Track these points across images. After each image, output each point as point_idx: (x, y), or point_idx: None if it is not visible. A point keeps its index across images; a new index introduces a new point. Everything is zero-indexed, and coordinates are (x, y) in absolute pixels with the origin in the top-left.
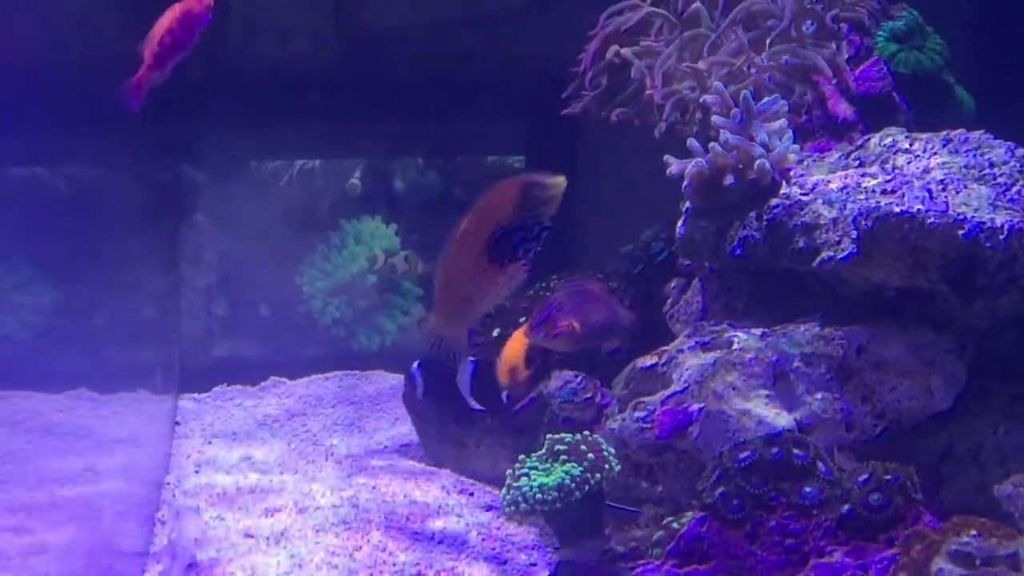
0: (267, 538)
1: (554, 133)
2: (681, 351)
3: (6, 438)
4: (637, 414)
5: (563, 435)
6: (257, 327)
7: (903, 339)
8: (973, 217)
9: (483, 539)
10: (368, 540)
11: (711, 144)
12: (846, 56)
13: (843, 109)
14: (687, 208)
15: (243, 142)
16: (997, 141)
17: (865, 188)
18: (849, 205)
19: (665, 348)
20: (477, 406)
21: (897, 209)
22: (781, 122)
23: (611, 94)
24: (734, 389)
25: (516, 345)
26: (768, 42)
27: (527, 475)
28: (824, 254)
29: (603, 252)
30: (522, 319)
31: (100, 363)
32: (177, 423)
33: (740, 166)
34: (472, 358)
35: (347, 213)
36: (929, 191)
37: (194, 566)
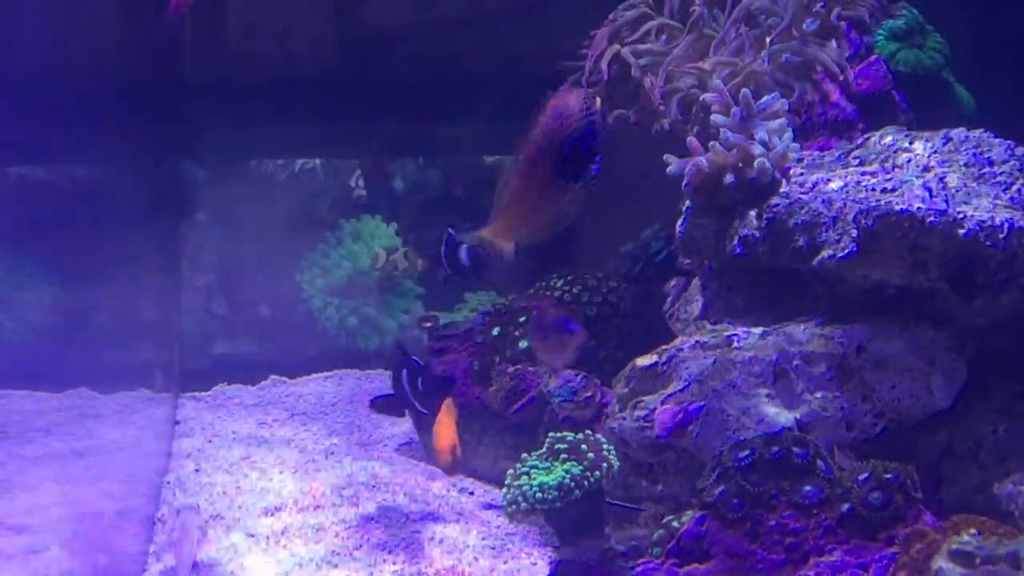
0: (267, 537)
1: None
2: (681, 350)
3: (7, 437)
4: (637, 413)
5: (564, 434)
6: (257, 326)
7: (903, 337)
8: (973, 216)
9: (483, 538)
10: (368, 539)
11: (711, 143)
12: (846, 55)
13: (843, 108)
14: (687, 207)
15: (243, 141)
16: (997, 140)
17: (865, 187)
18: (849, 204)
19: (665, 347)
20: (421, 408)
21: (897, 208)
22: (781, 120)
23: (612, 93)
24: (734, 388)
25: (444, 428)
26: (769, 40)
27: (527, 474)
28: (824, 252)
29: (603, 251)
30: (522, 318)
31: (100, 362)
32: (177, 422)
33: (740, 165)
34: (410, 359)
35: (347, 212)
36: (929, 190)
37: (196, 566)
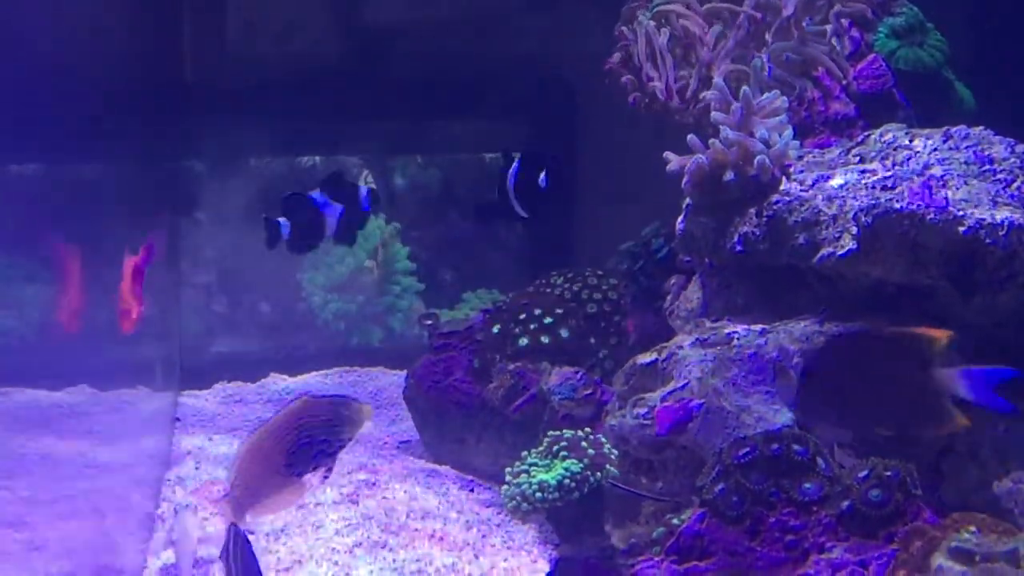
0: (267, 534)
1: (554, 130)
2: (681, 347)
3: (5, 434)
4: (637, 410)
5: (563, 432)
6: (257, 323)
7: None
8: (973, 213)
9: (483, 536)
10: (368, 537)
11: (711, 140)
12: (847, 52)
13: (843, 105)
14: (687, 204)
15: (243, 138)
16: (997, 137)
17: (865, 184)
18: (849, 201)
19: (665, 344)
20: (522, 212)
21: (897, 205)
22: (781, 118)
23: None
24: (734, 385)
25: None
26: (769, 38)
27: (527, 472)
28: (824, 250)
29: (603, 248)
30: (522, 315)
31: (100, 359)
32: (177, 419)
33: (740, 162)
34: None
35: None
36: (929, 187)
37: (196, 563)
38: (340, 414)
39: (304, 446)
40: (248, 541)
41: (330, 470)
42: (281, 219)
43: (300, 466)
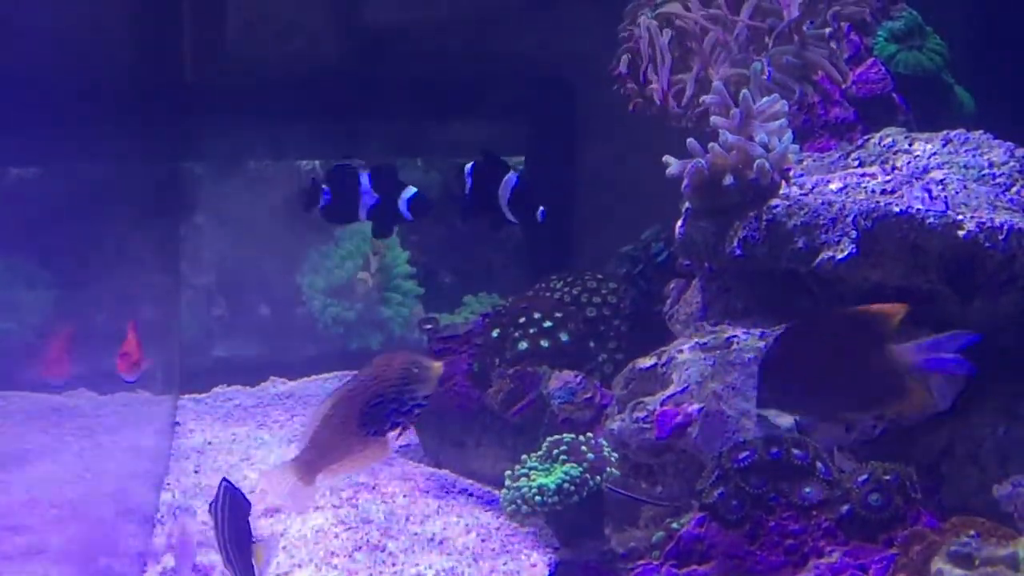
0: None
1: (554, 132)
2: (680, 351)
3: (5, 438)
4: (637, 414)
5: (563, 435)
6: (257, 327)
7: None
8: (973, 217)
9: (482, 539)
10: (368, 540)
11: (711, 144)
12: (846, 56)
13: (843, 109)
14: (686, 208)
15: (243, 141)
16: (996, 141)
17: (864, 188)
18: (848, 205)
19: (664, 348)
20: (511, 218)
21: (896, 209)
22: (781, 122)
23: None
24: (733, 389)
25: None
26: (770, 42)
27: (527, 475)
28: (823, 254)
29: (602, 252)
30: (522, 319)
31: (99, 363)
32: (176, 423)
33: (740, 166)
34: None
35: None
36: (928, 191)
37: (195, 568)
38: (410, 373)
39: (377, 406)
40: (240, 496)
41: (406, 427)
42: (324, 186)
43: (374, 426)
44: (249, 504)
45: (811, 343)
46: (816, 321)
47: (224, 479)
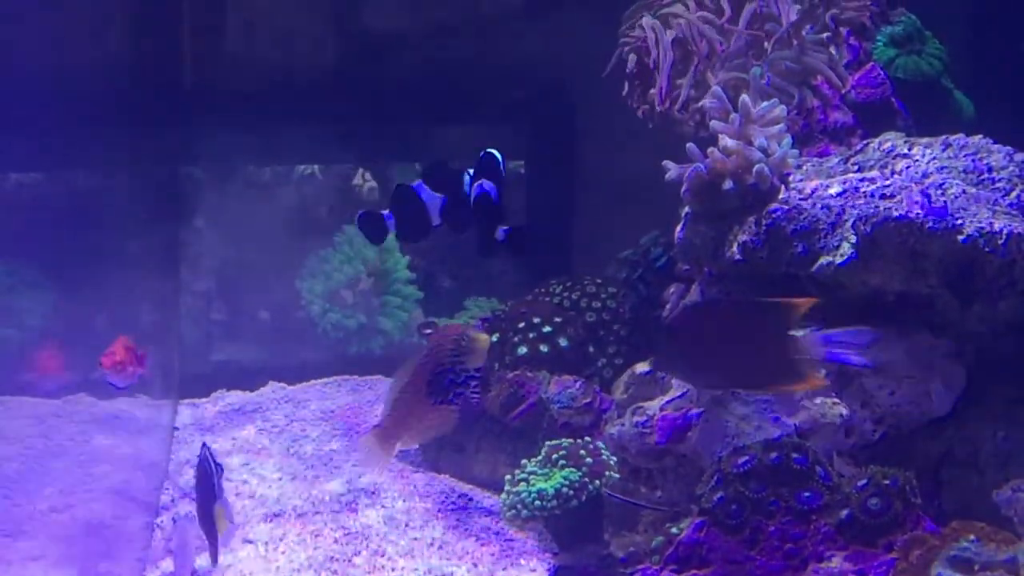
0: (266, 543)
1: (553, 137)
2: None
3: (5, 443)
4: (636, 419)
5: (562, 440)
6: (256, 332)
7: (902, 344)
8: (972, 222)
9: (482, 544)
10: (367, 545)
11: (710, 149)
12: (845, 61)
13: (842, 114)
14: (686, 213)
15: (242, 146)
16: (996, 146)
17: (864, 193)
18: (848, 210)
19: None
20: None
21: (896, 214)
22: (780, 126)
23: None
24: (733, 394)
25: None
26: (768, 47)
27: (526, 480)
28: (823, 259)
29: (601, 257)
30: (521, 324)
31: (98, 369)
32: (176, 428)
33: (739, 171)
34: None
35: (347, 217)
36: (928, 196)
37: (194, 573)
38: (460, 345)
39: (438, 375)
40: (212, 462)
41: (460, 397)
42: (385, 212)
43: (439, 395)
44: (220, 468)
45: (718, 317)
46: (729, 303)
47: (203, 444)
